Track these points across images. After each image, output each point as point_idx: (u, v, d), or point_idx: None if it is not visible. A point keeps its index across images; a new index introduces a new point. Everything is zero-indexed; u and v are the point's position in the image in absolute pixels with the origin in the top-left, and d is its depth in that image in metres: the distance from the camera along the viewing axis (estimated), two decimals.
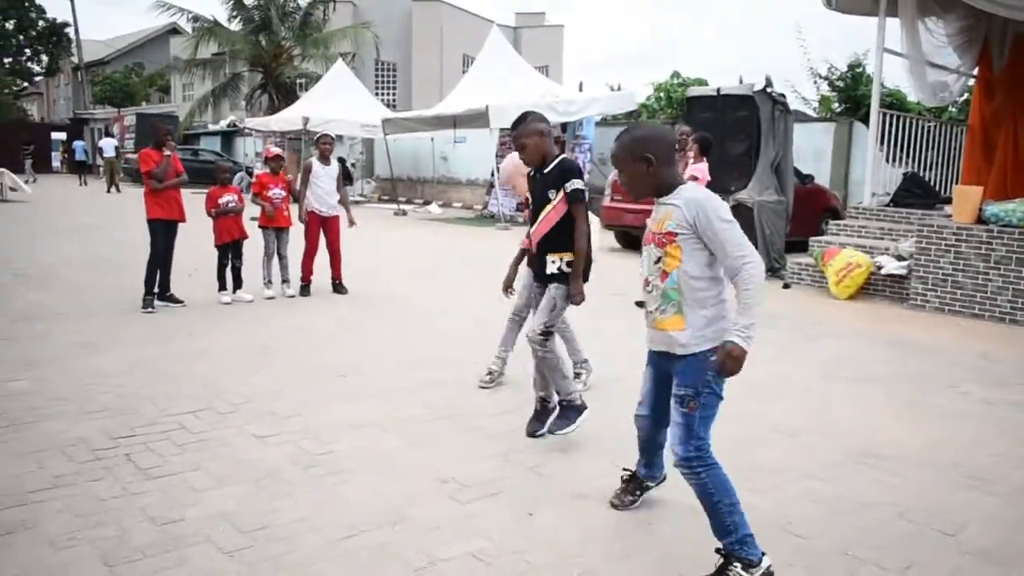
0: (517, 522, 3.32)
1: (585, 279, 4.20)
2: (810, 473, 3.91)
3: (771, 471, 3.89)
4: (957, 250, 8.32)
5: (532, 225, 4.33)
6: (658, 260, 2.87)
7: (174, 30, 42.80)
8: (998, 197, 9.23)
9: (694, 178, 7.01)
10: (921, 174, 11.41)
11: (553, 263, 4.15)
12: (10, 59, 51.45)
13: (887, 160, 11.35)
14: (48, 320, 6.91)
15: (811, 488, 3.74)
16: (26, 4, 49.52)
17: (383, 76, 35.30)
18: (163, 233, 7.50)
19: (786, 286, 9.77)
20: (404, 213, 20.44)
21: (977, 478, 3.94)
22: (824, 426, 4.66)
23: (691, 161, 7.62)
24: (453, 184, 24.06)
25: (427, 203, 23.02)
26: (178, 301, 7.65)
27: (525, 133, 4.16)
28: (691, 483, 2.89)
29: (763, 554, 2.82)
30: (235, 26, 29.68)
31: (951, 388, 5.58)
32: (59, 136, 41.59)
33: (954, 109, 16.37)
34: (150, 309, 7.34)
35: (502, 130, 16.93)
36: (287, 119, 22.69)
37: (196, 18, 29.25)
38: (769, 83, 10.54)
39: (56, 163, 40.73)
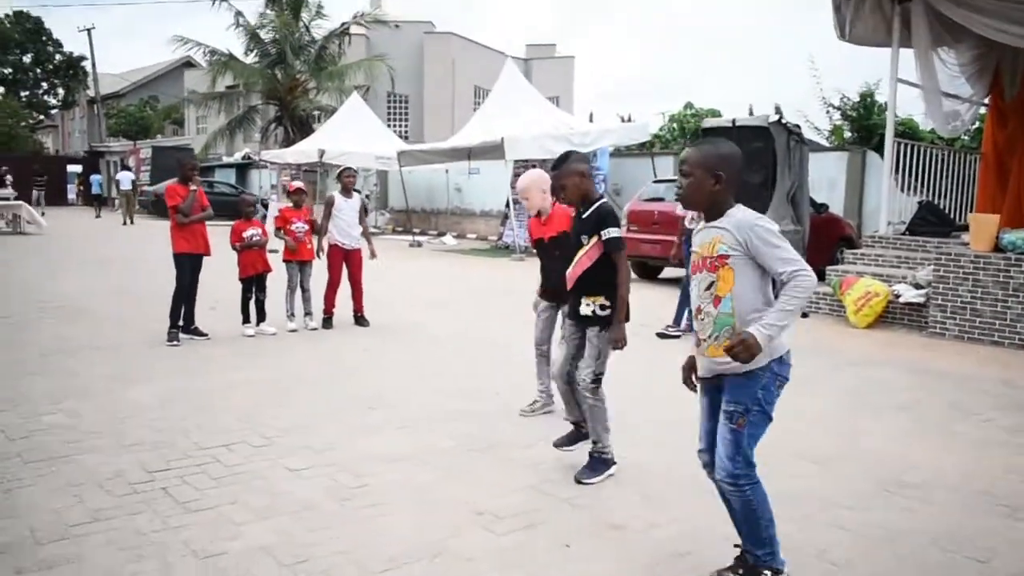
0: (553, 553, 3.36)
1: (627, 319, 4.25)
2: (840, 502, 3.94)
3: (801, 499, 3.91)
4: (975, 278, 8.34)
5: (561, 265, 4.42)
6: (710, 286, 2.89)
7: (188, 63, 43.29)
8: (1013, 224, 9.26)
9: None
10: (935, 202, 11.46)
11: (588, 306, 4.21)
12: (27, 92, 52.42)
13: (901, 189, 11.40)
14: (76, 353, 7.00)
15: (842, 516, 3.76)
16: (43, 39, 50.54)
17: (395, 108, 35.69)
18: (189, 267, 7.61)
19: (804, 315, 9.78)
20: (419, 244, 20.58)
21: (1007, 505, 3.97)
22: (852, 454, 4.68)
23: None
24: (467, 215, 24.21)
25: (441, 234, 23.15)
26: (203, 334, 7.74)
27: (566, 173, 4.24)
28: (734, 498, 2.93)
29: (784, 561, 2.98)
30: (251, 59, 30.09)
31: (976, 416, 5.60)
32: (75, 168, 42.16)
33: (966, 137, 16.43)
34: (175, 342, 7.42)
35: (516, 161, 17.07)
36: (303, 151, 22.95)
37: (212, 51, 29.68)
38: (779, 112, 10.64)
39: (72, 195, 41.27)
